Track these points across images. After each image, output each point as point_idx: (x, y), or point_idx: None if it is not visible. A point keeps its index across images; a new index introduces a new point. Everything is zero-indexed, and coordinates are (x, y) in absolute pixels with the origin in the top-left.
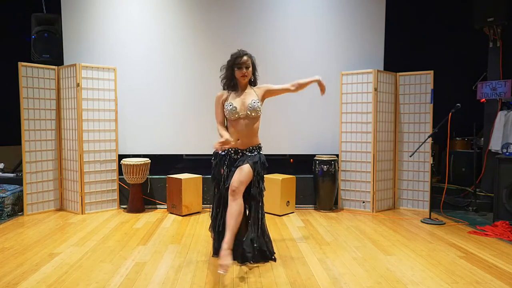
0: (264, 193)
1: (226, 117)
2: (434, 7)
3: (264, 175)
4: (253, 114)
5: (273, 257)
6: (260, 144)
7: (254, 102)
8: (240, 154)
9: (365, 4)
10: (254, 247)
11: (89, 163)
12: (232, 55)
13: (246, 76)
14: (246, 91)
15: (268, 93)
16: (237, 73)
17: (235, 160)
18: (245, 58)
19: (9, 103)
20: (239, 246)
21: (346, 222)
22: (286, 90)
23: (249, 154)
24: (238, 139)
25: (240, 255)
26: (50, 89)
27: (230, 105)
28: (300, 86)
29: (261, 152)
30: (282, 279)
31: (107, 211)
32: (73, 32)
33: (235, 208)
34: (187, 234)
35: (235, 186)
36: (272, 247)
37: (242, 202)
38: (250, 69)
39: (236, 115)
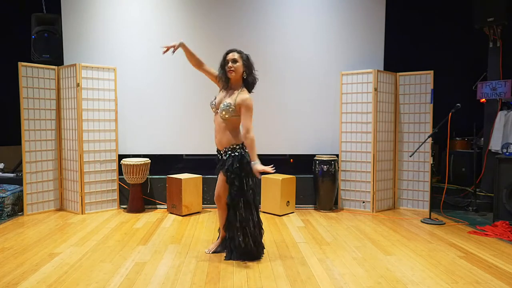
0: (264, 193)
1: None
2: (434, 7)
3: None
4: (223, 114)
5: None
6: (235, 145)
7: (226, 104)
8: (220, 155)
9: (365, 4)
10: (231, 249)
11: (89, 163)
12: None
13: (232, 70)
14: (234, 91)
15: (239, 109)
16: (226, 68)
17: (220, 160)
18: (232, 53)
19: (9, 103)
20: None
21: (346, 222)
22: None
23: (231, 153)
24: (216, 137)
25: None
26: (50, 89)
27: (213, 98)
28: (247, 137)
29: (236, 153)
30: (282, 279)
31: (107, 211)
32: (73, 32)
33: (219, 213)
34: (187, 234)
35: (216, 195)
36: (257, 246)
37: (225, 206)
38: (238, 64)
39: (213, 109)
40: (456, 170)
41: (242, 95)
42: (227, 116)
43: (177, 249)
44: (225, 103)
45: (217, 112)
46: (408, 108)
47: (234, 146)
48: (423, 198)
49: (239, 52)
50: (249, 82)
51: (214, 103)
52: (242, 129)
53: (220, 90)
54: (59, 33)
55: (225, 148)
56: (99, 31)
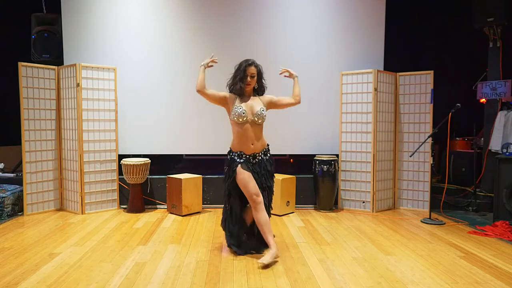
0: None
1: (232, 120)
2: (434, 7)
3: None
4: (259, 121)
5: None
6: (266, 146)
7: (263, 110)
8: (258, 158)
9: (365, 4)
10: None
11: (89, 163)
12: (241, 63)
13: (250, 84)
14: (251, 97)
15: (272, 105)
16: (244, 80)
17: (253, 164)
18: (251, 68)
19: (9, 103)
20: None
21: (346, 222)
22: (290, 104)
23: (264, 156)
24: (252, 144)
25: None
26: (50, 89)
27: (240, 108)
28: (297, 95)
29: (268, 155)
30: (282, 279)
31: (107, 211)
32: (73, 32)
33: (262, 215)
34: (187, 234)
35: (259, 196)
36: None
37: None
38: (255, 78)
39: (244, 119)
40: (456, 170)
41: (263, 98)
42: (260, 121)
43: (177, 249)
44: (261, 111)
45: (249, 121)
46: (408, 108)
47: (266, 148)
48: (423, 198)
49: (256, 66)
50: (258, 90)
51: (244, 112)
52: (291, 102)
53: (236, 98)
54: (59, 33)
55: (262, 151)
56: (99, 31)
